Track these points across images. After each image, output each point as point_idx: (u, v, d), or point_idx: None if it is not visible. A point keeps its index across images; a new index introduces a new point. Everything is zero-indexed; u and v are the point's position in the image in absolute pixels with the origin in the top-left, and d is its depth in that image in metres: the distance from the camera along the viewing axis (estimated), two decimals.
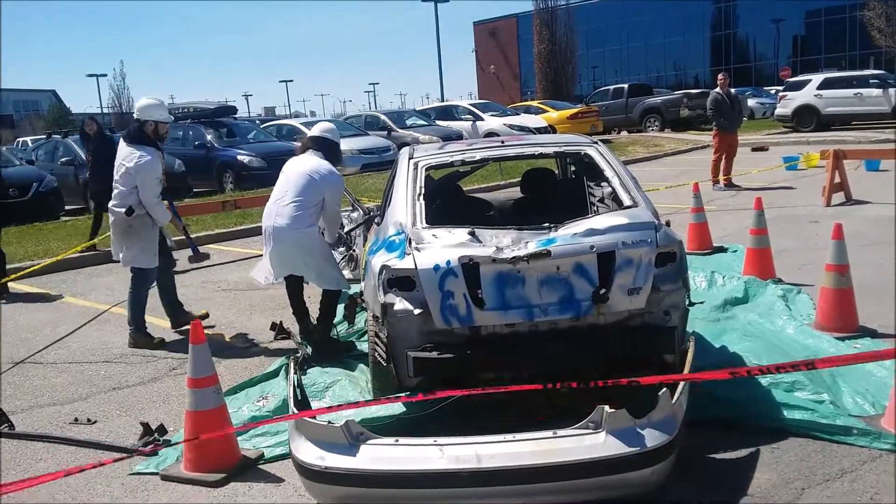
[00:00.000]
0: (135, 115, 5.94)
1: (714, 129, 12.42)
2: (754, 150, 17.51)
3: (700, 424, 3.65)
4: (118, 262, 6.12)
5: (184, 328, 6.10)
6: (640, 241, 3.71)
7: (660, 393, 3.09)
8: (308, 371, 4.82)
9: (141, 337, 5.93)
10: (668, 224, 4.01)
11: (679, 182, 11.63)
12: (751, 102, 32.60)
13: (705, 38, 56.14)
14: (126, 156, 5.75)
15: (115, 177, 5.82)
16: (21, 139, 34.77)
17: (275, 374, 4.88)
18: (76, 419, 4.53)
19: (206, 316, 6.46)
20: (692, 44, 55.70)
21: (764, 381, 4.02)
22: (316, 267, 5.15)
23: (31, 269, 8.36)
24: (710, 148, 13.09)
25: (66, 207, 14.83)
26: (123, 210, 5.75)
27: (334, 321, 5.42)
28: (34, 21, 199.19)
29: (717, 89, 12.37)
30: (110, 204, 5.88)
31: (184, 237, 6.78)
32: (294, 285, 5.41)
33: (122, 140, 5.96)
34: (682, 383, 3.29)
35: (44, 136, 21.39)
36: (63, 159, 15.61)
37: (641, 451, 2.97)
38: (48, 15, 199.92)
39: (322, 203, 5.13)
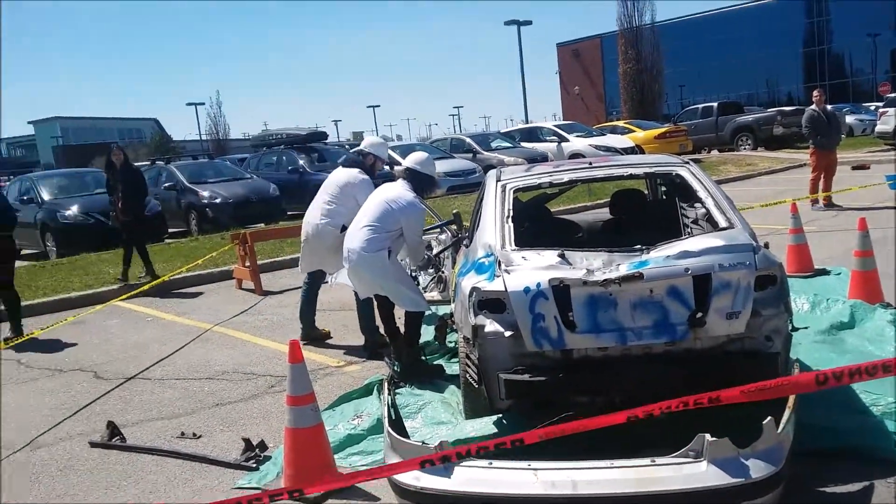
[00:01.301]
0: (361, 147, 6.54)
1: (811, 148, 11.98)
2: (854, 168, 16.77)
3: (808, 455, 3.51)
4: (304, 273, 6.49)
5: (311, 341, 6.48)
6: (738, 263, 3.63)
7: (764, 422, 2.99)
8: (399, 392, 4.89)
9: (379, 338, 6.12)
10: (766, 246, 3.90)
11: (775, 202, 11.26)
12: (849, 119, 31.21)
13: (797, 54, 54.24)
14: (347, 178, 6.17)
15: (327, 197, 6.19)
16: None
17: (368, 392, 4.97)
18: (182, 433, 4.74)
19: (328, 334, 6.71)
20: (784, 60, 53.86)
21: (876, 409, 3.84)
22: (390, 289, 5.28)
23: (139, 289, 8.82)
24: (807, 167, 12.62)
25: (169, 230, 15.54)
26: (339, 228, 6.00)
27: (422, 342, 5.50)
28: (137, 53, 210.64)
29: (813, 106, 11.95)
30: (321, 222, 6.16)
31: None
32: (384, 306, 5.52)
33: (339, 166, 6.60)
34: (787, 412, 3.18)
35: (147, 163, 22.48)
36: (166, 184, 16.41)
37: (746, 482, 2.88)
38: (150, 47, 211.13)
39: (401, 230, 5.26)
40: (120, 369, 6.37)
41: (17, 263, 13.13)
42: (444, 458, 2.94)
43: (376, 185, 5.72)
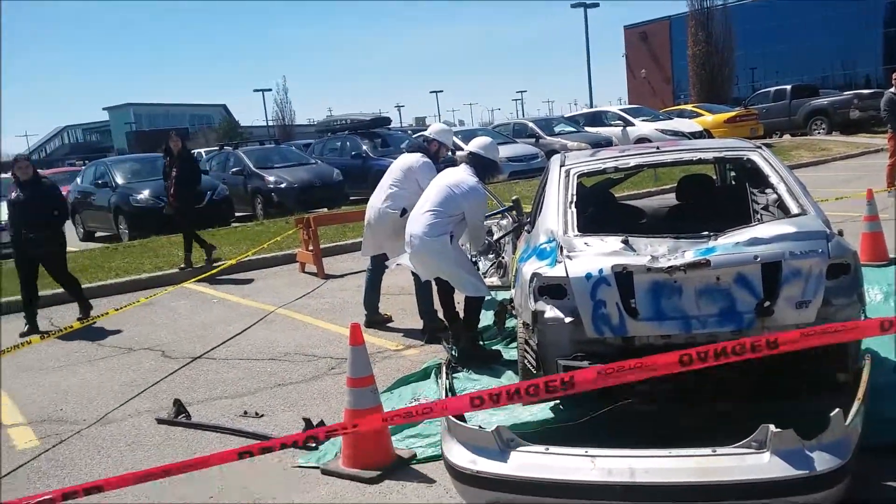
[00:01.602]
0: (427, 134, 6.64)
1: (889, 132, 11.46)
2: None
3: (878, 448, 3.39)
4: (367, 257, 6.57)
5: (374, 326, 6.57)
6: (810, 251, 3.50)
7: (832, 414, 2.89)
8: (456, 376, 4.90)
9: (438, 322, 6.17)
10: (840, 233, 3.75)
11: (851, 189, 10.83)
12: None
13: (877, 35, 51.77)
14: (410, 162, 6.25)
15: (390, 181, 6.28)
16: (196, 151, 37.56)
17: (426, 376, 5.01)
18: (245, 412, 4.85)
19: (390, 318, 6.77)
20: (862, 41, 51.50)
21: None
22: (450, 273, 5.28)
23: (209, 272, 9.06)
24: (885, 152, 12.09)
25: (236, 214, 15.89)
26: (398, 212, 6.10)
27: (480, 327, 5.49)
28: (208, 41, 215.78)
29: (893, 89, 11.41)
30: (383, 206, 6.25)
31: None
32: (444, 290, 5.53)
33: (404, 151, 6.74)
34: (857, 404, 3.06)
35: (216, 148, 23.02)
36: (233, 169, 16.78)
37: (810, 474, 2.78)
38: (219, 35, 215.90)
39: (462, 215, 5.25)
40: (187, 349, 6.57)
41: (92, 245, 13.70)
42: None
43: (439, 171, 5.73)
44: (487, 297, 5.57)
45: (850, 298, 3.55)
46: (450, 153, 6.63)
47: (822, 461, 2.81)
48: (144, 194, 13.98)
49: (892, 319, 2.57)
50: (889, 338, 4.77)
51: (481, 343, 5.48)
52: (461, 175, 5.33)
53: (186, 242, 9.97)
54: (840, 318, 3.53)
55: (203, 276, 9.03)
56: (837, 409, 2.92)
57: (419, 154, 6.30)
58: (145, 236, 12.91)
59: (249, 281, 9.47)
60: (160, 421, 4.85)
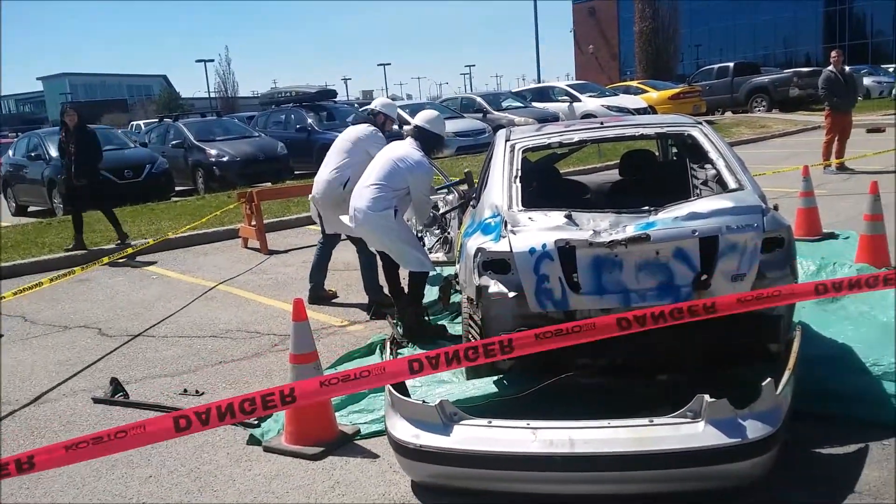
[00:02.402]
0: (372, 107, 6.56)
1: (826, 110, 11.79)
2: (869, 131, 16.52)
3: (805, 417, 3.51)
4: (332, 234, 6.43)
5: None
6: (746, 225, 3.57)
7: (763, 383, 2.98)
8: (401, 352, 4.89)
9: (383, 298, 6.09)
10: (776, 208, 3.84)
11: (787, 165, 11.12)
12: (867, 81, 30.67)
13: (818, 14, 53.05)
14: (358, 133, 6.20)
15: (335, 153, 6.21)
16: (134, 122, 36.58)
17: (370, 352, 4.99)
18: (185, 390, 4.77)
19: (335, 294, 6.70)
20: (803, 20, 52.74)
21: (876, 371, 3.83)
22: (394, 248, 5.28)
23: (143, 247, 8.82)
24: (822, 129, 12.45)
25: (176, 188, 15.54)
26: (343, 184, 6.01)
27: (426, 302, 5.49)
28: (145, 9, 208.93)
29: (830, 67, 11.74)
30: (329, 178, 6.13)
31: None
32: (389, 266, 5.50)
33: (349, 125, 6.65)
34: (787, 374, 3.16)
35: (156, 120, 22.41)
36: (173, 142, 16.37)
37: (742, 442, 2.87)
38: (160, 3, 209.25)
39: (407, 190, 5.23)
40: (124, 326, 6.41)
41: (25, 220, 13.23)
42: None
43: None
44: (432, 273, 5.57)
45: (784, 271, 3.64)
46: (396, 127, 6.61)
47: (754, 429, 2.90)
48: None
49: (825, 283, 2.65)
50: (819, 310, 4.94)
51: (427, 318, 5.48)
52: (406, 149, 5.28)
53: (78, 221, 9.45)
54: None
55: (137, 249, 8.76)
56: (769, 379, 3.01)
57: (367, 124, 6.25)
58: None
59: (190, 257, 9.27)
60: (97, 400, 4.73)
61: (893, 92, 21.91)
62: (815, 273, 5.87)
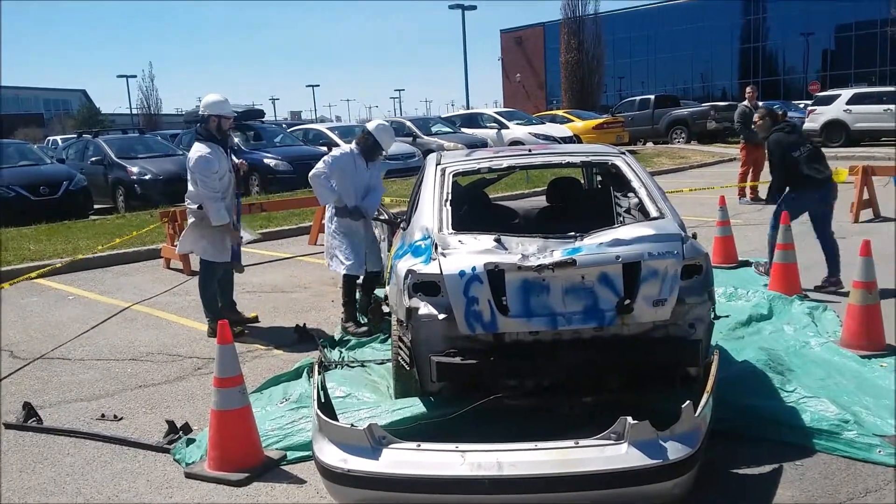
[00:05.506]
0: (200, 111, 6.07)
1: (742, 143, 12.35)
2: None
3: (723, 436, 3.64)
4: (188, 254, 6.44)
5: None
6: (667, 252, 3.71)
7: (683, 406, 3.08)
8: (329, 374, 4.85)
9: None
10: (694, 236, 4.00)
11: (705, 192, 11.55)
12: None
13: (734, 50, 55.63)
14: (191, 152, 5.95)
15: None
16: (51, 138, 35.24)
17: (297, 375, 4.92)
18: (103, 415, 4.60)
19: (255, 319, 6.53)
20: (720, 56, 55.21)
21: (790, 398, 4.00)
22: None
23: (59, 266, 8.50)
24: (738, 161, 13.01)
25: (95, 206, 15.03)
26: (196, 205, 5.90)
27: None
28: (64, 21, 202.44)
29: (745, 102, 12.31)
30: (186, 197, 6.03)
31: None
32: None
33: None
34: (705, 396, 3.28)
35: (74, 136, 21.68)
36: (92, 159, 15.86)
37: (664, 463, 2.96)
38: (79, 16, 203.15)
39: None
40: (38, 348, 6.13)
41: None
42: None
43: (323, 155, 5.86)
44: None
45: (702, 297, 3.80)
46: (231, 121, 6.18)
47: (675, 450, 3.00)
48: None
49: None
50: (736, 340, 5.14)
51: (359, 320, 5.89)
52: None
53: None
54: (692, 316, 3.78)
55: (50, 269, 8.44)
56: (688, 402, 3.12)
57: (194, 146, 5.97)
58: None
59: (109, 277, 8.96)
60: (8, 426, 4.50)
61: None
62: (730, 301, 6.11)
